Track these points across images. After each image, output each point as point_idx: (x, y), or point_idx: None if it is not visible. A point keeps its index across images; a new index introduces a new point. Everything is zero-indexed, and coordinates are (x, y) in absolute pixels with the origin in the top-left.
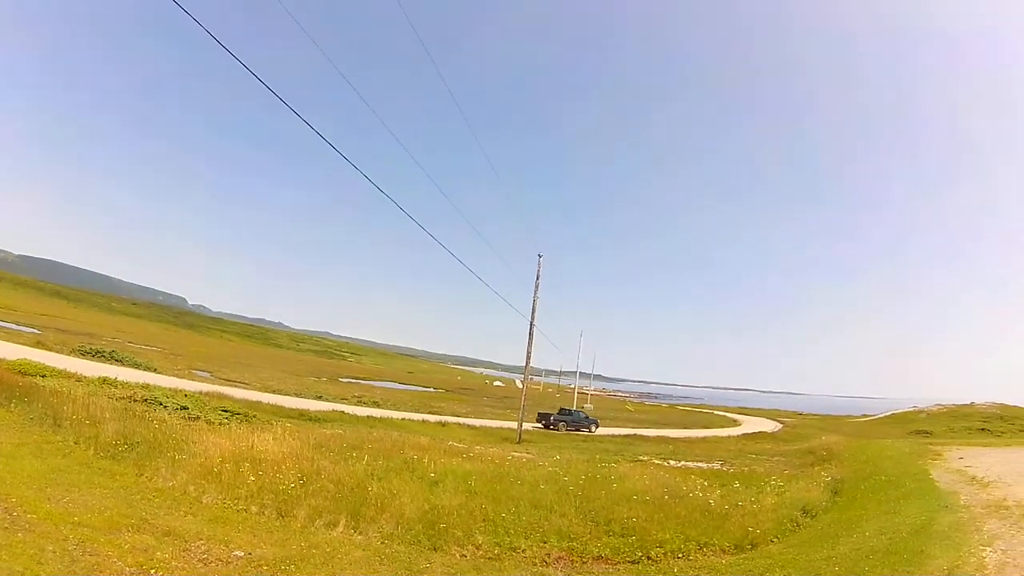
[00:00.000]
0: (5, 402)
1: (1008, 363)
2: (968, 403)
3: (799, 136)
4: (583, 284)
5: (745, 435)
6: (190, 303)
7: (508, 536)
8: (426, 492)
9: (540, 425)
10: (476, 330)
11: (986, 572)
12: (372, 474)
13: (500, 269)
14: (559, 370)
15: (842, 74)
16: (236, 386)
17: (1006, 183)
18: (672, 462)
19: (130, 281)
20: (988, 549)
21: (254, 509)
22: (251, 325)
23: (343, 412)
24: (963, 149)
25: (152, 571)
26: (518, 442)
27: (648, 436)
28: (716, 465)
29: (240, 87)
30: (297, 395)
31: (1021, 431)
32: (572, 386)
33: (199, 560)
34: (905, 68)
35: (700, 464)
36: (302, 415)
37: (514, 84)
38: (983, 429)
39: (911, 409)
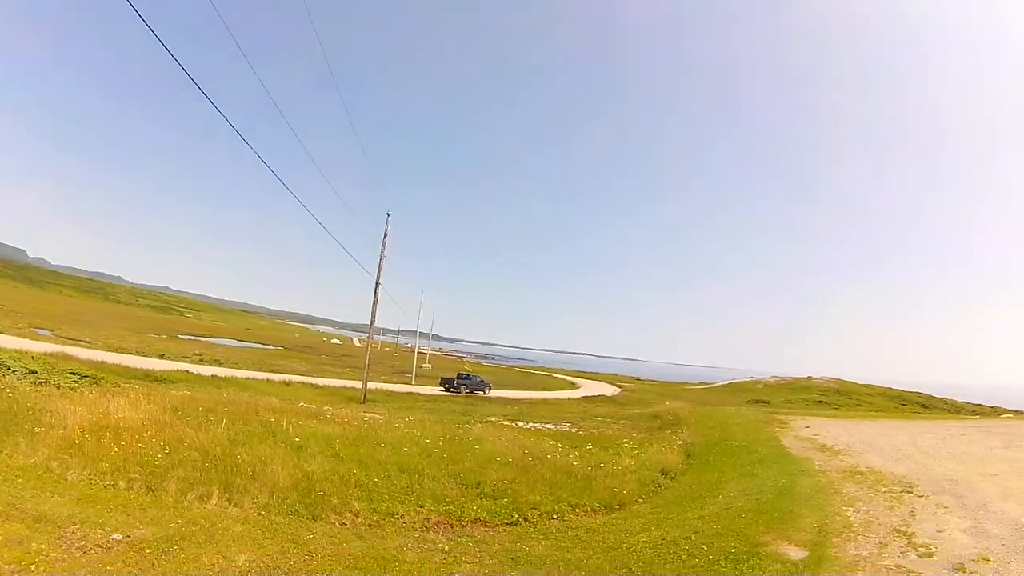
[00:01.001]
0: None
1: (842, 342)
2: (805, 377)
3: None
4: (426, 245)
5: (585, 398)
6: (30, 256)
7: (384, 502)
8: (294, 458)
9: (442, 389)
10: (314, 286)
11: (854, 530)
12: (234, 440)
13: (345, 226)
14: (397, 329)
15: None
16: (79, 345)
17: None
18: (520, 423)
19: None
20: (851, 510)
21: (122, 484)
22: (91, 280)
23: (188, 372)
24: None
25: (32, 567)
26: (363, 402)
27: (490, 397)
28: (564, 427)
29: None
30: (140, 354)
31: (858, 405)
32: (409, 345)
33: (77, 548)
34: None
35: (548, 426)
36: (148, 375)
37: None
38: (820, 402)
39: (748, 380)
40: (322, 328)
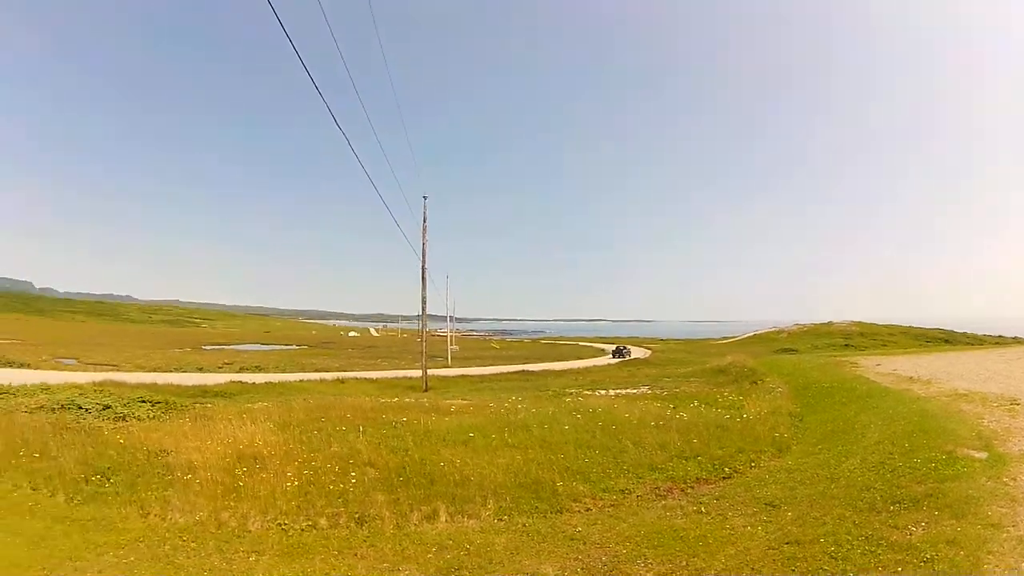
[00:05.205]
0: None
1: (854, 285)
2: (827, 322)
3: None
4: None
5: (624, 362)
6: (37, 286)
7: (605, 480)
8: (475, 455)
9: (612, 358)
10: (320, 282)
11: (1002, 435)
12: (395, 448)
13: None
14: (417, 315)
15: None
16: (109, 370)
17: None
18: (601, 392)
19: None
20: (984, 421)
21: (323, 523)
22: (100, 302)
23: (241, 382)
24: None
25: None
26: (425, 390)
27: (535, 371)
28: (645, 390)
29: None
30: (179, 370)
31: (883, 345)
32: (429, 329)
33: None
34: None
35: (630, 391)
36: (205, 391)
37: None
38: (847, 345)
39: (772, 329)
40: (336, 322)
